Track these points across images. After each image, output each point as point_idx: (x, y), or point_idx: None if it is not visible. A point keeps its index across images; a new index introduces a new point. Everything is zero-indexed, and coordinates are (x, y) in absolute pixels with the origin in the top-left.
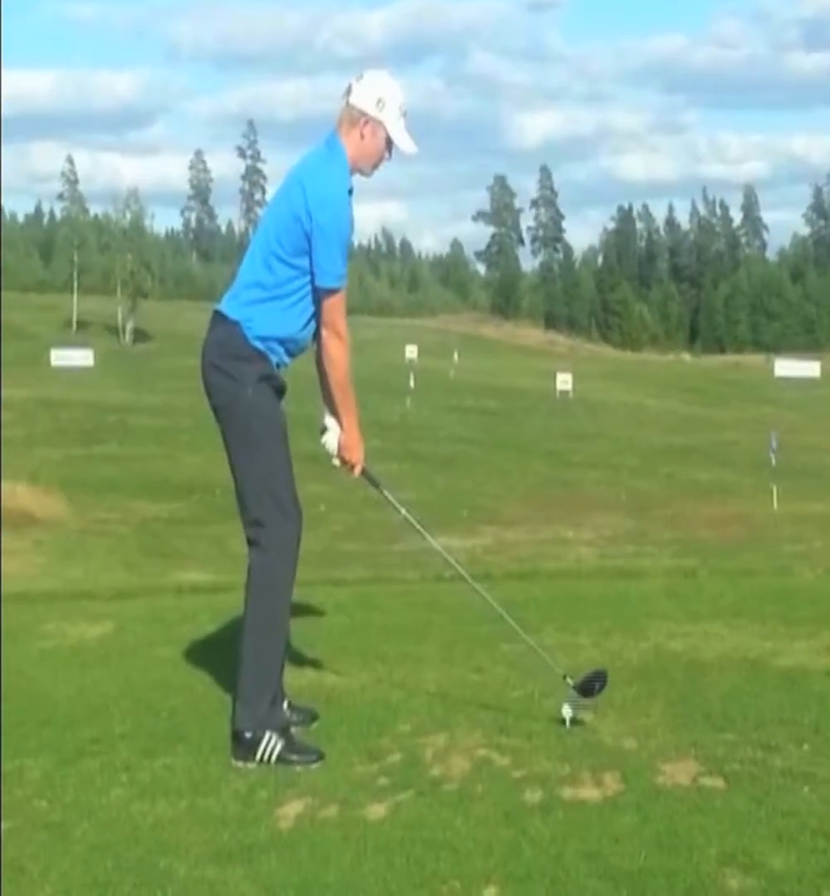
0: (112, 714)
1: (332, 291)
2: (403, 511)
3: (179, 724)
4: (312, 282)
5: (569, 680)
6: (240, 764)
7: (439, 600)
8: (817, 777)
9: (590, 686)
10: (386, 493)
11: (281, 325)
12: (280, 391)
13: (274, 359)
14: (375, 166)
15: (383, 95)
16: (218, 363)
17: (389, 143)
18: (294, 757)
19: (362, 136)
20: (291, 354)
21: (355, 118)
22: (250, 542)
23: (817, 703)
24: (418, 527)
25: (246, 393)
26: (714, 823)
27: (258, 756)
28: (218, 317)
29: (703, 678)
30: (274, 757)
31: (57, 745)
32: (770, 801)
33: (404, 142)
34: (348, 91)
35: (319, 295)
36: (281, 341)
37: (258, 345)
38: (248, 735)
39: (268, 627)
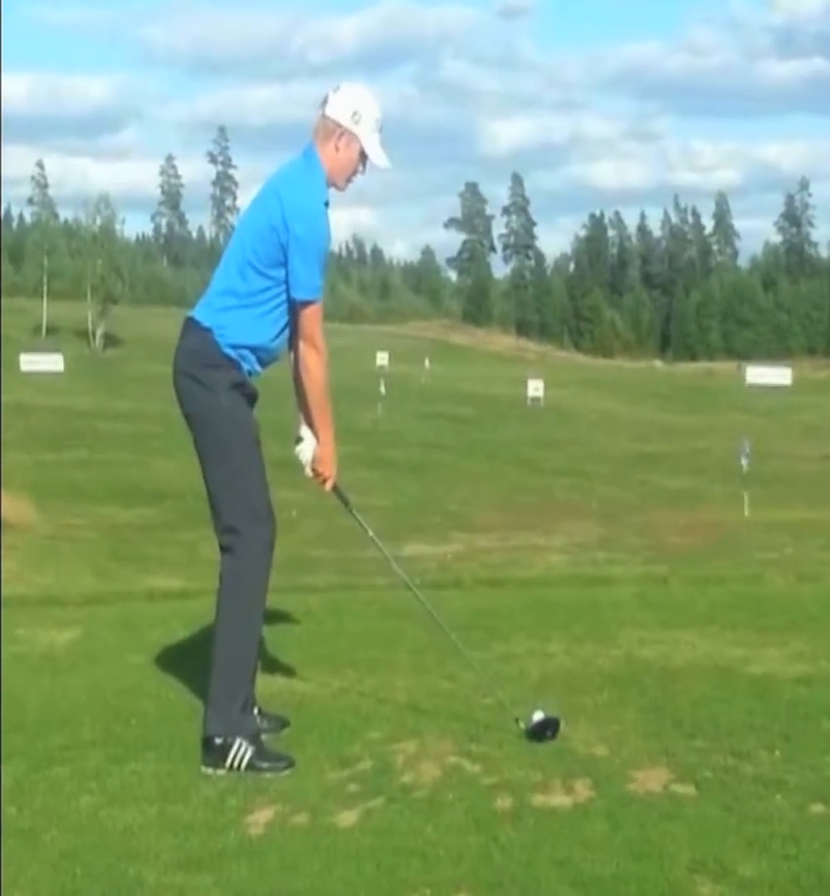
0: (82, 720)
1: (308, 303)
2: (370, 532)
3: (149, 731)
4: (287, 293)
5: (521, 723)
6: (210, 770)
7: (410, 607)
8: (788, 784)
9: (541, 731)
10: (354, 512)
11: (253, 333)
12: (252, 399)
13: (246, 367)
14: (348, 179)
15: (359, 108)
16: (190, 371)
17: (362, 156)
18: (264, 764)
19: (337, 149)
20: (262, 363)
21: (331, 130)
22: (223, 549)
23: (787, 710)
24: (385, 551)
25: (218, 400)
26: (685, 830)
27: (228, 763)
28: (190, 324)
29: (674, 685)
30: (244, 764)
31: (26, 752)
32: (741, 808)
33: (378, 156)
34: (325, 102)
35: (295, 307)
36: (253, 349)
37: (230, 352)
38: (218, 741)
39: (240, 633)
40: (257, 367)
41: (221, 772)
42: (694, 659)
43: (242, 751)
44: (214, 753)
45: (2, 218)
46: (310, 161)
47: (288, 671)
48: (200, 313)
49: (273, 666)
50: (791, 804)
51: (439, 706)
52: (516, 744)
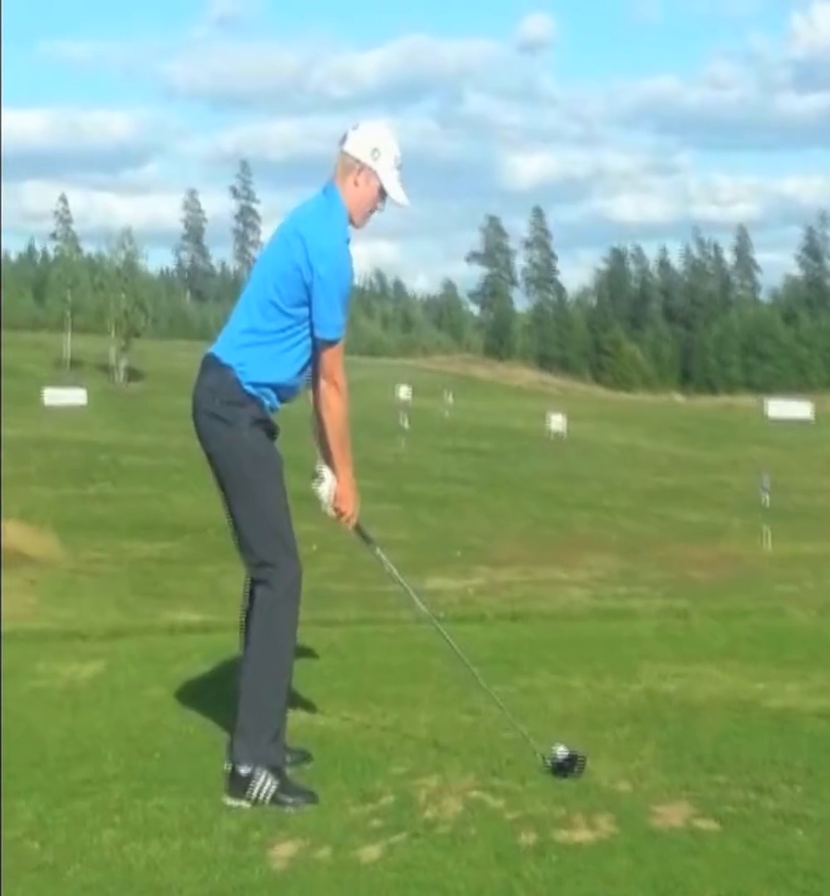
0: (104, 755)
1: (331, 343)
2: (393, 570)
3: (172, 765)
4: (309, 331)
5: (547, 760)
6: (233, 802)
7: (433, 641)
8: (809, 819)
9: (569, 765)
10: (378, 551)
11: (275, 371)
12: (273, 434)
13: (266, 403)
14: (366, 217)
15: (378, 145)
16: (211, 408)
17: (381, 193)
18: (288, 798)
19: (356, 184)
20: (282, 400)
21: (350, 166)
22: (258, 582)
23: (809, 744)
24: (405, 585)
25: (243, 437)
26: (708, 866)
27: (252, 795)
28: (210, 361)
29: (695, 720)
30: (267, 797)
31: (49, 786)
32: (763, 844)
33: (396, 192)
34: (344, 139)
35: (318, 345)
36: (274, 387)
37: (251, 390)
38: (243, 771)
39: (273, 664)
40: (277, 404)
41: (244, 804)
42: (715, 693)
43: (266, 783)
44: (238, 783)
45: (1, 246)
46: (331, 199)
47: (310, 705)
48: (219, 350)
49: (296, 700)
50: (813, 839)
51: (462, 741)
52: (539, 778)
